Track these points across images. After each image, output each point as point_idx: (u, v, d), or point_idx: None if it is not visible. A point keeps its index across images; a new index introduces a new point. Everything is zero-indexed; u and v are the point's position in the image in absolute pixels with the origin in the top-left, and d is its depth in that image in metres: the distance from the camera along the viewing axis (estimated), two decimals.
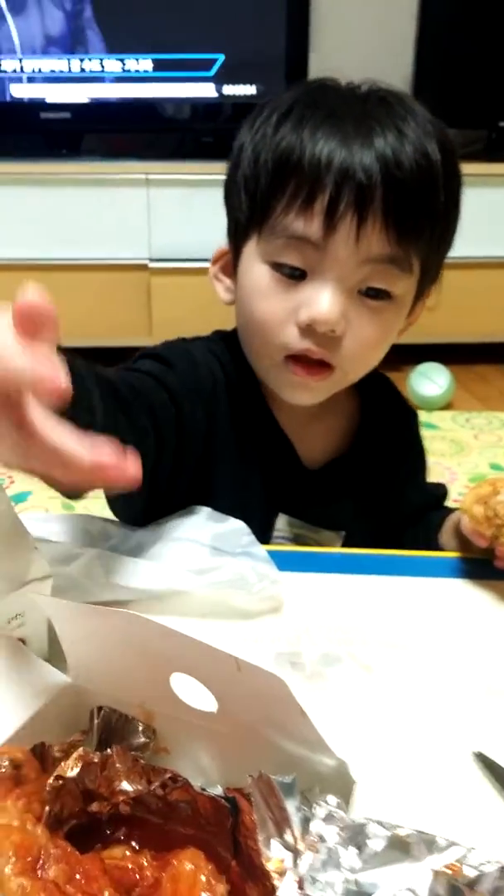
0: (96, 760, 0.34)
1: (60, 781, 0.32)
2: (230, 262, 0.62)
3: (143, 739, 0.36)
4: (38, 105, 2.17)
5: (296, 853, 0.30)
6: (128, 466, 0.32)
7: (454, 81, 2.26)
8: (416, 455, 0.73)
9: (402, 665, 0.47)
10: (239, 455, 0.65)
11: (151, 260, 2.16)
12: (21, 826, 0.31)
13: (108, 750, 0.34)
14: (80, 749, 0.34)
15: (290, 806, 0.30)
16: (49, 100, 2.17)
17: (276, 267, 0.56)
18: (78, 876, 0.30)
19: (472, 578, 0.57)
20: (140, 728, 0.36)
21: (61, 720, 0.36)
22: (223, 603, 0.50)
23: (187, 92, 2.18)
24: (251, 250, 0.58)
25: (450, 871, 0.26)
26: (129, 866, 0.33)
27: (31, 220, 2.13)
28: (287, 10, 2.13)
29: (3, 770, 0.33)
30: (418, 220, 0.55)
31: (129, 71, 2.16)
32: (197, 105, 2.20)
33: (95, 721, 0.36)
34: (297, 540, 0.67)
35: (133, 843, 0.35)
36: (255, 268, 0.57)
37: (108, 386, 0.49)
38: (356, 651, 0.48)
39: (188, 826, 0.34)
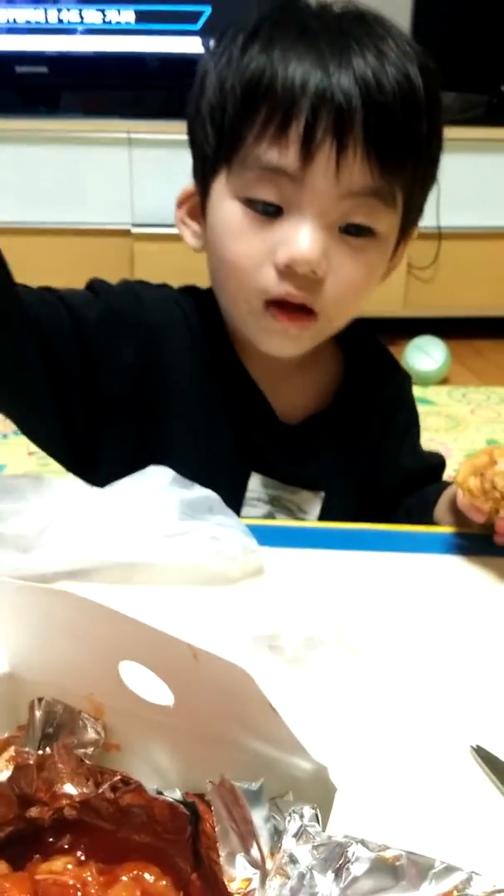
0: (31, 762, 0.29)
1: None
2: (198, 205, 0.59)
3: (92, 735, 0.32)
4: (13, 58, 2.09)
5: (264, 872, 0.25)
6: None
7: (454, 45, 2.20)
8: (406, 417, 0.70)
9: (394, 649, 0.44)
10: (203, 408, 0.62)
11: (134, 225, 2.11)
12: None
13: (48, 749, 0.30)
14: (12, 749, 0.29)
15: (257, 817, 0.26)
16: (24, 52, 2.09)
17: (249, 203, 0.53)
18: None
19: (469, 555, 0.53)
20: (88, 722, 0.32)
21: None
22: (196, 570, 0.47)
23: (172, 46, 2.11)
24: (220, 187, 0.54)
25: None
26: (70, 882, 0.29)
27: (6, 181, 2.06)
28: None
29: None
30: (402, 148, 0.52)
31: (109, 22, 2.09)
32: (182, 60, 2.11)
33: (36, 714, 0.32)
34: (272, 502, 0.63)
35: (79, 854, 0.31)
36: (226, 205, 0.54)
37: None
38: (342, 633, 0.44)
39: (143, 833, 0.31)
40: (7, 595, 0.31)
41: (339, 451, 0.65)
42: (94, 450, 0.59)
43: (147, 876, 0.29)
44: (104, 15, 2.07)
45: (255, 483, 0.62)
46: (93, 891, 0.29)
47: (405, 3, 2.22)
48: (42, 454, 0.59)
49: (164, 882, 0.29)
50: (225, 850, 0.26)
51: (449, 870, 0.23)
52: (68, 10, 2.06)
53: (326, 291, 0.53)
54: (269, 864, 0.26)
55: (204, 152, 0.55)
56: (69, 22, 2.08)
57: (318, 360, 0.63)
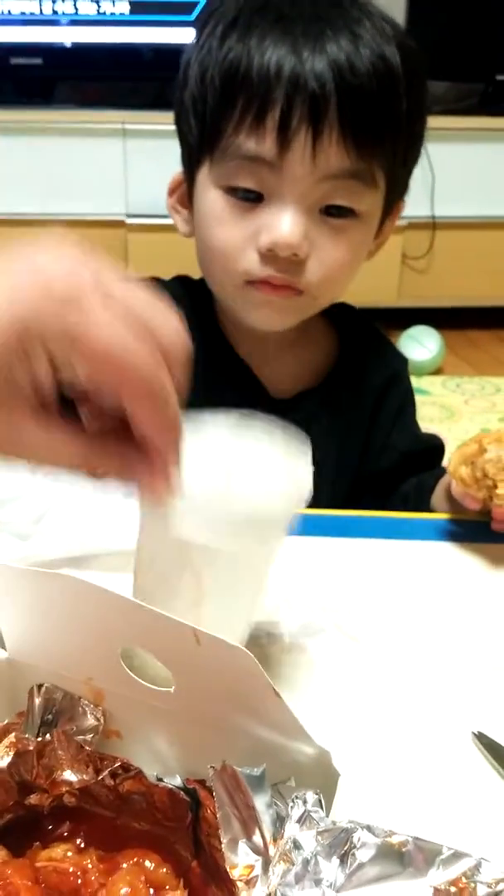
0: (31, 748, 0.29)
1: None
2: (186, 192, 0.60)
3: (92, 721, 0.31)
4: (8, 49, 2.07)
5: (266, 858, 0.25)
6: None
7: (449, 34, 2.20)
8: (400, 397, 0.70)
9: (393, 636, 0.44)
10: (193, 388, 0.61)
11: (128, 216, 2.09)
12: None
13: (48, 735, 0.29)
14: (13, 735, 0.29)
15: (259, 803, 0.26)
16: (19, 44, 2.07)
17: (231, 191, 0.54)
18: None
19: (466, 541, 0.53)
20: (88, 708, 0.31)
21: None
22: None
23: (167, 37, 2.09)
24: (204, 176, 0.56)
25: (455, 889, 0.21)
26: (70, 869, 0.29)
27: (1, 173, 2.04)
28: None
29: None
30: (378, 129, 0.53)
31: (104, 14, 2.07)
32: (176, 51, 2.09)
33: (36, 700, 0.32)
34: None
35: (78, 841, 0.31)
36: (210, 194, 0.55)
37: None
38: (341, 620, 0.44)
39: (143, 821, 0.31)
40: (6, 580, 0.31)
41: (330, 425, 0.66)
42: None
43: (147, 863, 0.29)
44: (98, 6, 2.05)
45: None
46: (93, 878, 0.28)
47: None
48: None
49: (164, 869, 0.29)
50: (227, 837, 0.26)
51: (457, 856, 0.22)
52: (63, 1, 2.04)
53: (309, 271, 0.54)
54: (271, 851, 0.25)
55: (189, 143, 0.57)
56: (64, 13, 2.06)
57: (309, 339, 0.65)
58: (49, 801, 0.30)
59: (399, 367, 0.70)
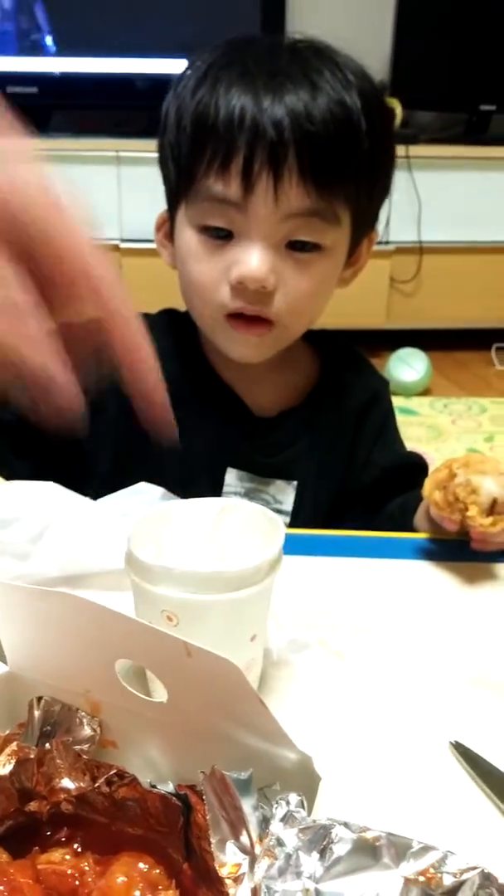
0: (32, 756, 0.31)
1: None
2: (169, 229, 0.64)
3: (88, 732, 0.33)
4: (4, 78, 2.11)
5: (253, 857, 0.27)
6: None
7: (434, 64, 2.25)
8: (381, 417, 0.72)
9: (375, 651, 0.45)
10: (179, 412, 0.64)
11: (122, 240, 2.12)
12: None
13: (47, 745, 0.31)
14: (14, 744, 0.30)
15: (247, 805, 0.27)
16: (15, 73, 2.12)
17: (204, 230, 0.58)
18: (1, 887, 0.26)
19: (445, 560, 0.55)
20: (85, 719, 0.33)
21: None
22: None
23: (159, 68, 2.13)
24: (182, 216, 0.60)
25: (423, 879, 0.23)
26: (69, 871, 0.30)
27: None
28: None
29: None
30: (338, 170, 0.56)
31: (98, 44, 2.12)
32: (169, 81, 2.15)
33: (35, 712, 0.33)
34: (248, 495, 0.67)
35: (75, 846, 0.32)
36: (186, 233, 0.59)
37: None
38: (326, 636, 0.46)
39: (136, 826, 0.32)
40: (7, 598, 0.33)
41: (312, 443, 0.68)
42: (75, 447, 0.62)
43: (141, 865, 0.31)
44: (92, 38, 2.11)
45: (231, 477, 0.66)
46: (90, 879, 0.30)
47: (386, 25, 2.27)
48: None
49: (157, 871, 0.30)
50: (216, 837, 0.27)
51: (426, 849, 0.24)
52: (56, 32, 2.09)
53: (278, 302, 0.58)
54: (257, 850, 0.27)
55: (170, 184, 0.61)
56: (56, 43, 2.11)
57: (290, 362, 0.68)
58: (48, 808, 0.32)
59: (379, 387, 0.73)
